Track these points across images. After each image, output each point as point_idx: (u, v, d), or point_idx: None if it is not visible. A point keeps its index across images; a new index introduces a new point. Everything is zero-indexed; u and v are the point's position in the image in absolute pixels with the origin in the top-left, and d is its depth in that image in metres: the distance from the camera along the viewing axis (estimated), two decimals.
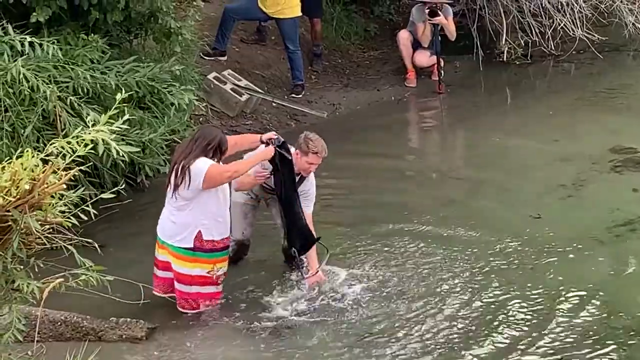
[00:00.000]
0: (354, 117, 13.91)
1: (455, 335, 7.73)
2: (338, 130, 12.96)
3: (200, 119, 12.30)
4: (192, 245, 7.78)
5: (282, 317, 8.02)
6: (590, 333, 7.68)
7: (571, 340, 7.61)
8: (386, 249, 9.25)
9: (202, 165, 7.58)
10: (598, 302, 8.15)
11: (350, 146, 12.44)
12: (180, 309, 8.00)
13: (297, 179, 8.25)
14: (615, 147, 12.46)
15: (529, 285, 8.47)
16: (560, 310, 8.06)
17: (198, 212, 7.72)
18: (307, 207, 8.40)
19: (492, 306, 8.17)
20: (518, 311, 8.08)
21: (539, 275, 8.70)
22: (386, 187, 10.79)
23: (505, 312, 8.07)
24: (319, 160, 8.18)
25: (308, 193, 8.36)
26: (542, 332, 7.72)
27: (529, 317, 7.99)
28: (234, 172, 7.83)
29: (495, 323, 7.91)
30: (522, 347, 7.54)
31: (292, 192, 8.17)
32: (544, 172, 11.58)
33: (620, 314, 7.92)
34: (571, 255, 9.15)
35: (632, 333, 7.65)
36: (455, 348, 7.57)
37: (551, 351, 7.47)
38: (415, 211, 10.08)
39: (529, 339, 7.66)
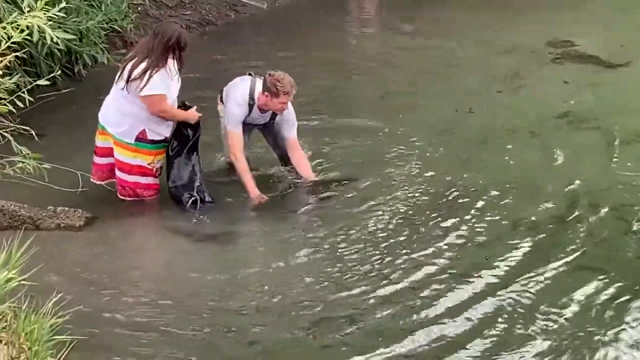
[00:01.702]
0: (293, 9, 13.80)
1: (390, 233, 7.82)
2: (277, 22, 12.90)
3: (139, 8, 12.14)
4: (133, 141, 7.77)
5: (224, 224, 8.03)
6: (515, 219, 7.79)
7: (494, 225, 7.71)
8: (327, 139, 9.29)
9: (156, 84, 7.54)
10: (525, 191, 8.25)
11: (288, 39, 12.38)
12: (119, 196, 8.02)
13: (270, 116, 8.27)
14: (553, 41, 12.59)
15: (464, 175, 8.53)
16: (488, 197, 8.11)
17: (145, 111, 7.70)
18: (291, 133, 8.33)
19: (423, 195, 8.23)
20: (447, 197, 8.16)
21: (472, 167, 8.77)
22: (323, 80, 10.75)
23: (437, 197, 8.16)
24: (291, 98, 8.05)
25: (289, 120, 8.30)
26: (466, 218, 7.79)
27: (458, 203, 8.09)
28: (169, 114, 7.78)
29: (426, 209, 7.98)
30: (445, 230, 7.64)
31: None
32: (482, 65, 11.65)
33: (546, 202, 8.05)
34: (507, 146, 9.25)
35: (553, 220, 7.78)
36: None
37: (472, 235, 7.53)
38: (354, 104, 10.11)
39: (454, 221, 7.76)
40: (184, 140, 7.96)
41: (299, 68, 10.34)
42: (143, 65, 7.56)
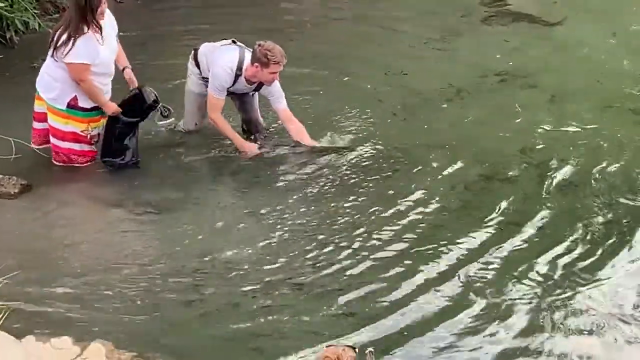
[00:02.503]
0: None
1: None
2: None
3: None
4: (64, 107, 7.72)
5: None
6: (451, 180, 7.87)
7: (431, 186, 7.77)
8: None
9: (79, 52, 7.48)
10: (460, 151, 8.32)
11: (222, 3, 12.35)
12: (54, 162, 7.97)
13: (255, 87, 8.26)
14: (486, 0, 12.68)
15: (402, 138, 8.59)
16: (425, 159, 8.18)
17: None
18: (280, 104, 8.27)
19: (363, 160, 8.28)
20: (386, 160, 8.20)
21: (409, 129, 8.84)
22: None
23: (376, 160, 8.22)
24: (281, 68, 8.00)
25: (275, 92, 8.24)
26: (405, 182, 7.84)
27: (397, 166, 8.13)
28: (86, 88, 7.70)
29: (367, 174, 8.05)
30: (384, 194, 7.71)
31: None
32: (414, 25, 11.68)
33: (481, 161, 8.12)
34: (442, 106, 9.33)
35: (487, 179, 7.89)
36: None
37: (413, 199, 7.58)
38: (291, 66, 10.02)
39: (396, 184, 7.83)
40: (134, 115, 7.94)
41: (233, 29, 10.29)
42: (67, 31, 7.51)
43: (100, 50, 7.61)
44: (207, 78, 8.19)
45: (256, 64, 7.92)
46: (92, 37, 7.53)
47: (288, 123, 8.35)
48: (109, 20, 7.77)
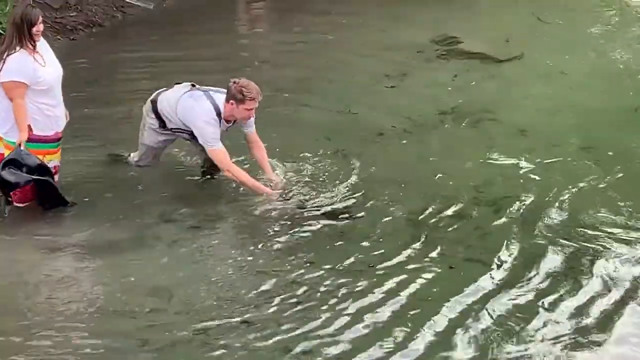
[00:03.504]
0: (181, 10, 13.74)
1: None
2: (164, 23, 12.82)
3: None
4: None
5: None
6: (402, 216, 7.83)
7: (382, 223, 7.75)
8: None
9: (10, 70, 7.34)
10: (412, 188, 8.33)
11: (175, 40, 12.34)
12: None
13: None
14: (439, 37, 12.76)
15: (352, 174, 8.58)
16: (375, 195, 8.15)
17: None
18: (251, 127, 8.19)
19: (313, 195, 8.24)
20: (337, 195, 8.15)
21: (360, 164, 8.77)
22: (210, 80, 10.67)
23: (327, 196, 8.17)
24: (257, 104, 7.95)
25: (250, 122, 8.17)
26: (362, 220, 7.82)
27: (346, 202, 8.10)
28: (16, 107, 7.47)
29: (316, 209, 8.05)
30: (335, 229, 7.70)
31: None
32: (368, 62, 11.75)
33: (433, 198, 8.10)
34: (394, 143, 9.37)
35: (439, 216, 7.90)
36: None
37: (362, 232, 7.57)
38: None
39: (346, 222, 7.85)
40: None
41: (186, 69, 10.30)
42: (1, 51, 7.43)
43: (40, 69, 7.49)
44: (176, 129, 8.15)
45: (232, 101, 7.88)
46: (27, 55, 7.44)
47: (255, 147, 8.31)
48: (45, 46, 7.67)
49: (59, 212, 7.87)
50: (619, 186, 8.35)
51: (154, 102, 8.20)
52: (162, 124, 8.18)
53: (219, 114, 7.94)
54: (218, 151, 8.00)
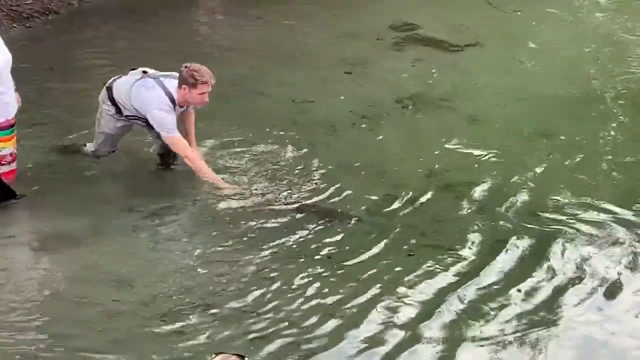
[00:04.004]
0: None
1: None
2: (122, 11, 12.75)
3: None
4: None
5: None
6: (361, 203, 7.91)
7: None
8: None
9: None
10: (370, 174, 8.39)
11: (133, 28, 12.27)
12: None
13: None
14: (398, 24, 12.78)
15: (312, 161, 8.63)
16: (334, 182, 8.18)
17: None
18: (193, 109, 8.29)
19: (270, 181, 8.24)
20: (294, 182, 8.19)
21: (318, 152, 8.83)
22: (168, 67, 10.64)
23: (286, 183, 8.19)
24: (210, 88, 7.91)
25: None
26: (315, 203, 7.90)
27: (305, 188, 8.12)
28: None
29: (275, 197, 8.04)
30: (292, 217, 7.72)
31: None
32: (328, 49, 11.75)
33: (391, 184, 8.17)
34: (352, 130, 9.38)
35: (397, 202, 7.90)
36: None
37: (319, 219, 7.61)
38: None
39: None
40: None
41: (143, 56, 10.25)
42: None
43: None
44: (132, 116, 8.11)
45: (184, 85, 7.84)
46: None
47: (188, 124, 8.33)
48: None
49: (12, 204, 7.80)
50: (573, 171, 8.47)
51: (109, 89, 8.16)
52: (118, 110, 8.15)
53: (172, 100, 7.92)
54: (175, 139, 7.98)
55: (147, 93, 7.93)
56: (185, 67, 7.85)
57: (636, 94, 10.35)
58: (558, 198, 7.96)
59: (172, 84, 7.94)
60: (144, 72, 8.07)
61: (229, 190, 8.03)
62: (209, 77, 7.84)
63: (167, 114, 7.90)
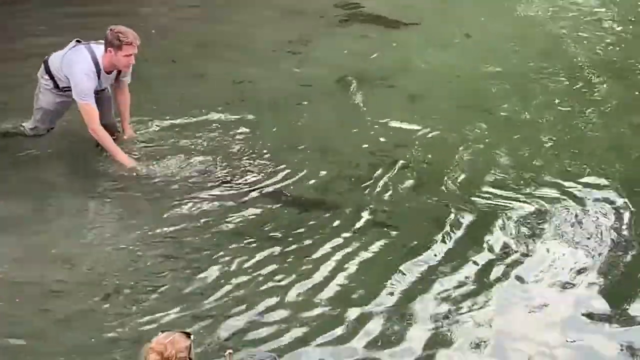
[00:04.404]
0: None
1: None
2: None
3: None
4: None
5: None
6: (310, 181, 7.93)
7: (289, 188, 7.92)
8: None
9: None
10: (319, 152, 8.44)
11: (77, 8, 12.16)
12: None
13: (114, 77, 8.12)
14: (340, 2, 12.77)
15: (257, 139, 8.62)
16: (281, 160, 8.21)
17: None
18: (127, 78, 8.23)
19: (214, 160, 8.23)
20: (240, 160, 8.21)
21: (264, 130, 8.84)
22: None
23: (229, 161, 8.20)
24: (135, 49, 7.84)
25: (129, 71, 8.19)
26: (264, 184, 7.87)
27: (251, 166, 8.13)
28: None
29: (219, 175, 8.02)
30: (238, 194, 7.71)
31: None
32: (271, 28, 11.70)
33: (341, 162, 8.24)
34: (298, 108, 9.39)
35: (348, 180, 7.98)
36: None
37: (267, 196, 7.70)
38: (144, 70, 9.84)
39: (244, 186, 7.86)
40: None
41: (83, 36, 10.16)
42: None
43: None
44: (66, 87, 8.04)
45: (110, 48, 7.80)
46: None
47: (119, 90, 8.32)
48: None
49: None
50: (513, 147, 8.57)
51: (45, 63, 8.14)
52: (56, 84, 8.11)
53: (97, 64, 7.88)
54: (89, 107, 7.95)
55: (75, 58, 7.91)
56: (110, 29, 7.82)
57: (578, 70, 10.47)
58: (497, 174, 8.08)
59: (100, 49, 7.91)
60: (78, 41, 8.05)
61: (131, 165, 8.02)
62: (134, 37, 7.81)
63: (88, 81, 7.85)
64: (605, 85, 10.00)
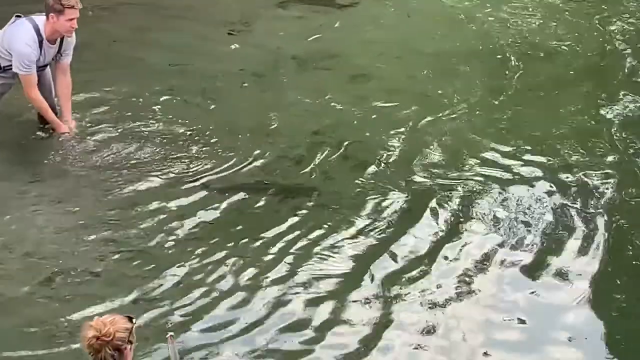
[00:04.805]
0: None
1: None
2: None
3: None
4: None
5: None
6: (250, 163, 7.94)
7: (229, 169, 7.86)
8: None
9: None
10: (258, 133, 8.43)
11: None
12: None
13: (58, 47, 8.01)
14: None
15: (196, 121, 8.60)
16: (221, 142, 8.22)
17: None
18: (68, 57, 8.12)
19: (156, 145, 8.21)
20: (180, 143, 8.22)
21: (203, 112, 8.83)
22: None
23: (171, 144, 8.17)
24: (77, 13, 7.75)
25: (70, 48, 8.07)
26: (211, 167, 7.87)
27: (191, 149, 8.14)
28: None
29: (162, 159, 8.00)
30: (178, 178, 7.71)
31: None
32: (212, 9, 11.64)
33: (280, 143, 8.25)
34: (238, 89, 9.37)
35: (287, 161, 8.04)
36: None
37: (207, 179, 7.71)
38: (84, 54, 9.76)
39: (185, 168, 7.85)
40: None
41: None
42: None
43: None
44: (8, 66, 7.95)
45: (51, 14, 7.71)
46: None
47: (61, 74, 8.22)
48: None
49: None
50: (450, 129, 8.64)
51: None
52: None
53: (39, 34, 7.81)
54: (30, 77, 7.90)
55: (15, 29, 7.84)
56: None
57: (519, 49, 10.57)
58: (434, 154, 8.18)
59: (41, 19, 7.84)
60: (17, 15, 7.96)
61: (64, 131, 8.10)
62: (75, 1, 7.75)
63: (30, 52, 7.78)
64: (533, 66, 10.11)
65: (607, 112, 9.04)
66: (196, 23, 11.14)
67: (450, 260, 6.70)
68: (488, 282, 6.49)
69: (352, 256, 6.72)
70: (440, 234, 7.02)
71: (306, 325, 6.03)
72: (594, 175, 7.87)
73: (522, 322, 6.12)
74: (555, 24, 11.38)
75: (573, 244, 6.93)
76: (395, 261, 6.67)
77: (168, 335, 4.78)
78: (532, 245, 6.91)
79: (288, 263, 6.62)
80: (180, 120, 8.63)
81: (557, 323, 6.12)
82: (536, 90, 9.57)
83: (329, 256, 6.70)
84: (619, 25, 11.36)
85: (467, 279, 6.50)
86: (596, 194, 7.62)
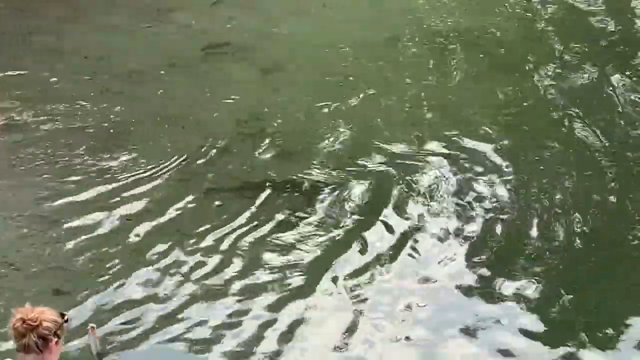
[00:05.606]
0: None
1: None
2: None
3: None
4: None
5: None
6: (176, 151, 7.93)
7: (155, 156, 7.87)
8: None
9: None
10: (185, 123, 8.45)
11: None
12: None
13: None
14: None
15: (119, 109, 8.55)
16: (145, 130, 8.25)
17: None
18: None
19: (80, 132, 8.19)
20: (106, 132, 8.22)
21: (125, 101, 8.78)
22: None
23: (98, 133, 8.16)
24: None
25: None
26: (137, 158, 7.83)
27: (118, 138, 8.10)
28: None
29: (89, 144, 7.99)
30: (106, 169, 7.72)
31: None
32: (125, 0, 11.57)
33: (204, 135, 8.25)
34: (162, 80, 9.33)
35: (217, 151, 8.02)
36: None
37: (133, 167, 7.68)
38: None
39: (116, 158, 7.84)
40: None
41: None
42: None
43: None
44: None
45: None
46: None
47: None
48: None
49: None
50: (385, 117, 8.68)
51: None
52: None
53: None
54: None
55: None
56: None
57: (436, 37, 10.60)
58: (361, 142, 8.23)
59: None
60: None
61: None
62: None
63: None
64: (461, 52, 10.16)
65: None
66: (117, 12, 11.02)
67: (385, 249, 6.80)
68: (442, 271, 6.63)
69: (278, 248, 6.77)
70: (370, 221, 7.09)
71: (252, 313, 6.13)
72: None
73: None
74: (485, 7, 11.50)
75: None
76: (324, 250, 6.76)
77: (89, 327, 4.80)
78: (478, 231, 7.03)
79: (216, 256, 6.66)
80: (104, 112, 8.60)
81: None
82: (468, 75, 9.61)
83: (259, 248, 6.75)
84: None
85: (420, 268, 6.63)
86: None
